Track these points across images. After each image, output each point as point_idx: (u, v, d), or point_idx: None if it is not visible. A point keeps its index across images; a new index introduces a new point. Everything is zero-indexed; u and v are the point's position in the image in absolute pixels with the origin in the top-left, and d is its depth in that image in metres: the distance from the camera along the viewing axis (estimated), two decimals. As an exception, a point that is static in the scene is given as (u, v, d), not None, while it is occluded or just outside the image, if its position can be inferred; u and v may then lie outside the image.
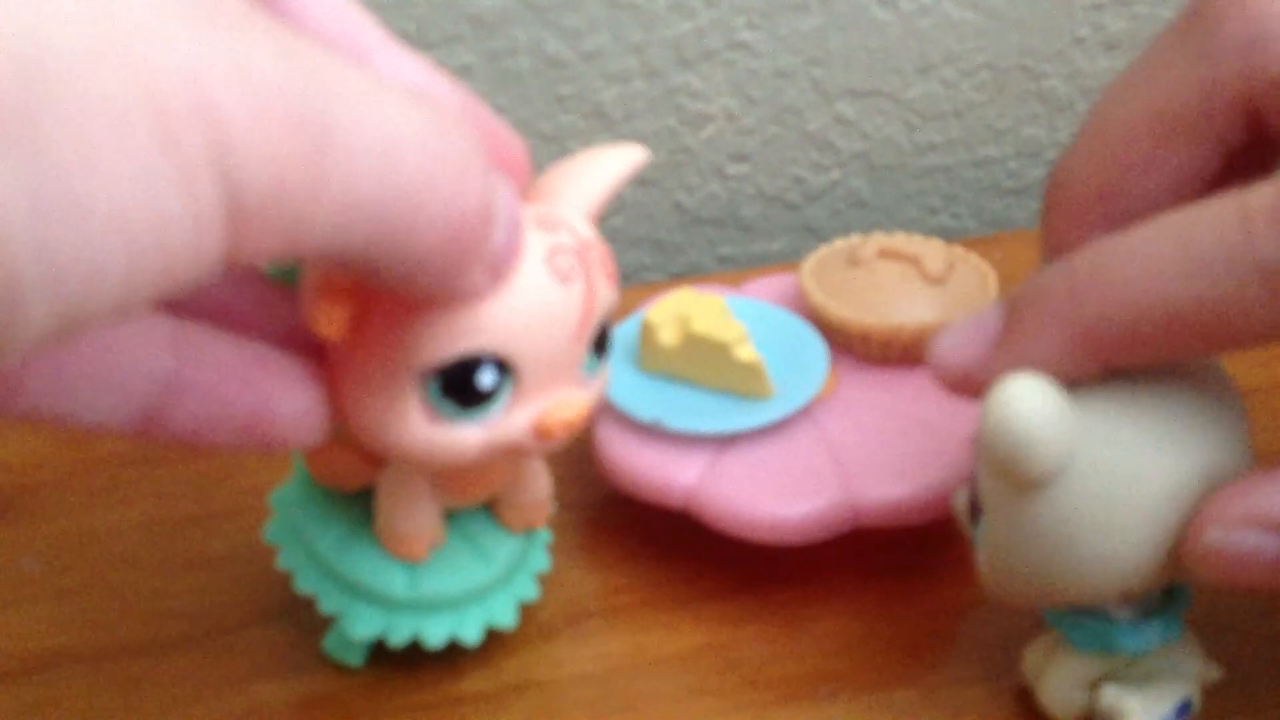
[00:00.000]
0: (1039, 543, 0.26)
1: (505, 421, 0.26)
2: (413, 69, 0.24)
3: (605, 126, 0.48)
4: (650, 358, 0.35)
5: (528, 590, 0.31)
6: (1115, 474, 0.25)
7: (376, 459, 0.29)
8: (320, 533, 0.30)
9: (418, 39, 0.45)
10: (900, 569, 0.33)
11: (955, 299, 0.36)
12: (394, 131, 0.19)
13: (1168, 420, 0.26)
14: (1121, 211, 0.27)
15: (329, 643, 0.31)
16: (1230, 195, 0.24)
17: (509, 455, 0.26)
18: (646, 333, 0.35)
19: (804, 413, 0.34)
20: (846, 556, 0.33)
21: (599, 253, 0.26)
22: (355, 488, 0.30)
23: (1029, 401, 0.24)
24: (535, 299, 0.25)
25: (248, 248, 0.18)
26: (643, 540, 0.35)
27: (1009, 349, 0.26)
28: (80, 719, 0.30)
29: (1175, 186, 0.27)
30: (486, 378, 0.25)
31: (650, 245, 0.51)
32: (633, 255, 0.51)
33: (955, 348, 0.27)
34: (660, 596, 0.33)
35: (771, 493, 0.32)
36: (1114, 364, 0.25)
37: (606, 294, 0.26)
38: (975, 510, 0.28)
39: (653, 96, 0.48)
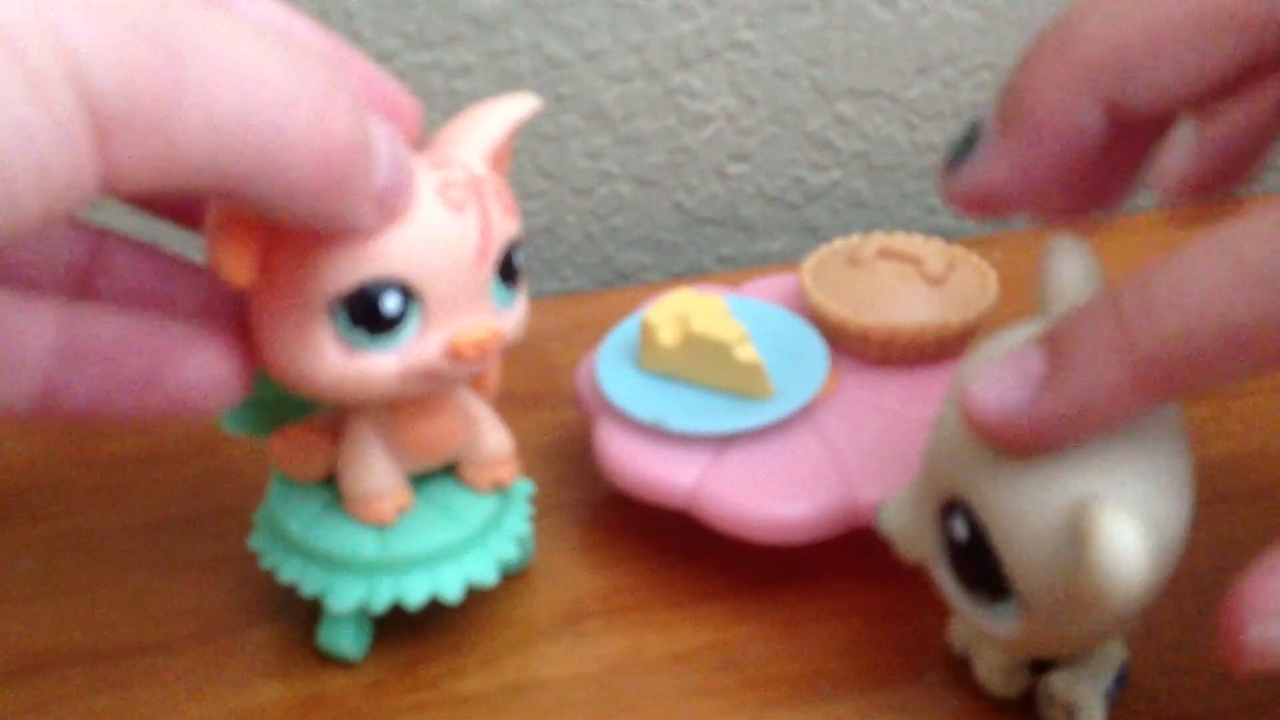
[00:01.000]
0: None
1: (418, 347, 0.27)
2: (275, 12, 0.25)
3: (605, 126, 0.48)
4: (650, 358, 0.35)
5: (507, 550, 0.31)
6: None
7: (337, 435, 0.30)
8: (292, 516, 0.31)
9: (418, 39, 0.45)
10: (900, 569, 0.33)
11: (955, 299, 0.36)
12: (249, 55, 0.20)
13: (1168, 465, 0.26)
14: (1131, 91, 0.25)
15: (322, 636, 0.31)
16: (1269, 205, 0.23)
17: (426, 380, 0.27)
18: (646, 333, 0.35)
19: (804, 413, 0.34)
20: (846, 556, 0.33)
21: (492, 186, 0.27)
22: (322, 474, 0.31)
23: (1132, 546, 0.23)
24: (430, 226, 0.26)
25: (123, 167, 0.19)
26: (643, 540, 0.35)
27: (1060, 392, 0.24)
28: (80, 719, 0.30)
29: (1195, 80, 0.25)
30: (391, 302, 0.26)
31: (650, 245, 0.51)
32: (633, 255, 0.51)
33: (995, 392, 0.25)
34: (660, 596, 0.33)
35: (771, 493, 0.32)
36: (1169, 399, 0.24)
37: (504, 223, 0.27)
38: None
39: (653, 96, 0.48)
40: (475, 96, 0.46)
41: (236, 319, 0.26)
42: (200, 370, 0.25)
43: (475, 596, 0.32)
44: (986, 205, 0.27)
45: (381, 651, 0.31)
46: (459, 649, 0.32)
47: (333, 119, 0.22)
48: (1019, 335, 0.26)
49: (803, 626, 0.32)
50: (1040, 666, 0.29)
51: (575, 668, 0.31)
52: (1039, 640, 0.27)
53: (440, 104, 0.46)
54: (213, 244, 0.24)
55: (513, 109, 0.29)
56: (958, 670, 0.31)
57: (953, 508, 0.27)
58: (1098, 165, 0.27)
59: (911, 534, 0.29)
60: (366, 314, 0.26)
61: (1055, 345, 0.25)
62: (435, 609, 0.32)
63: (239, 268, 0.25)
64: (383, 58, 0.45)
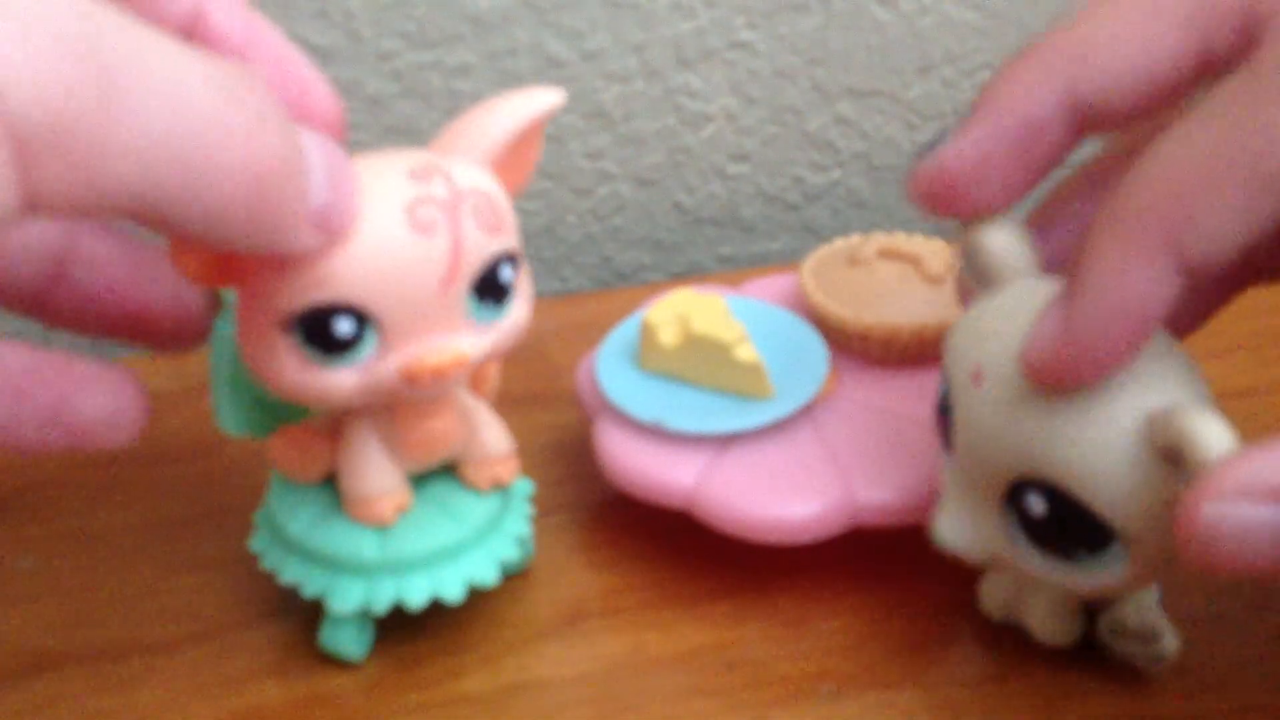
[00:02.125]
0: (1025, 407, 0.26)
1: (377, 366, 0.27)
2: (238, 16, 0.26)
3: (605, 126, 0.48)
4: (650, 358, 0.35)
5: (508, 550, 0.31)
6: None
7: (335, 436, 0.30)
8: (291, 518, 0.31)
9: (418, 39, 0.45)
10: (900, 569, 0.33)
11: (954, 298, 0.36)
12: (181, 75, 0.20)
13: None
14: (1087, 88, 0.27)
15: (324, 637, 0.31)
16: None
17: (385, 398, 0.27)
18: (646, 333, 0.35)
19: (804, 413, 0.34)
20: (847, 556, 0.33)
21: (476, 202, 0.26)
22: (321, 475, 0.31)
23: (1223, 434, 0.25)
24: (388, 249, 0.25)
25: (46, 190, 0.19)
26: (642, 540, 0.35)
27: (1081, 295, 0.25)
28: (80, 719, 0.30)
29: (1146, 79, 0.27)
30: (343, 326, 0.26)
31: (650, 245, 0.51)
32: (633, 255, 0.51)
33: (1040, 341, 0.26)
34: (660, 596, 0.33)
35: (772, 493, 0.32)
36: (1183, 254, 0.25)
37: (480, 242, 0.27)
38: (945, 414, 0.28)
39: (653, 96, 0.48)
40: (475, 96, 0.46)
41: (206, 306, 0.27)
42: (99, 406, 0.25)
43: (475, 596, 0.32)
44: (945, 192, 0.28)
45: (381, 651, 0.31)
46: (459, 649, 0.32)
47: (264, 143, 0.21)
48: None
49: (803, 626, 0.32)
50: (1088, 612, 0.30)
51: (575, 668, 0.31)
52: (1150, 568, 0.27)
53: (440, 104, 0.46)
54: (170, 256, 0.25)
55: (529, 105, 0.28)
56: (958, 669, 0.31)
57: (1021, 489, 0.27)
58: (1056, 164, 0.28)
59: (976, 539, 0.29)
60: (319, 335, 0.26)
61: (1074, 265, 0.26)
62: (435, 609, 0.32)
63: (193, 272, 0.25)
64: (383, 58, 0.45)
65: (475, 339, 0.27)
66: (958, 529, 0.29)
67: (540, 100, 0.28)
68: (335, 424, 0.30)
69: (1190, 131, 0.25)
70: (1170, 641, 0.29)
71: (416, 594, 0.30)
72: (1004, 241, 0.29)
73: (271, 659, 0.32)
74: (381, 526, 0.30)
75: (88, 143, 0.19)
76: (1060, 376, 0.26)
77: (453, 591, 0.30)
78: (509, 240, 0.27)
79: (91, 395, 0.25)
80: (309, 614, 0.32)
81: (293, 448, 0.30)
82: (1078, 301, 0.25)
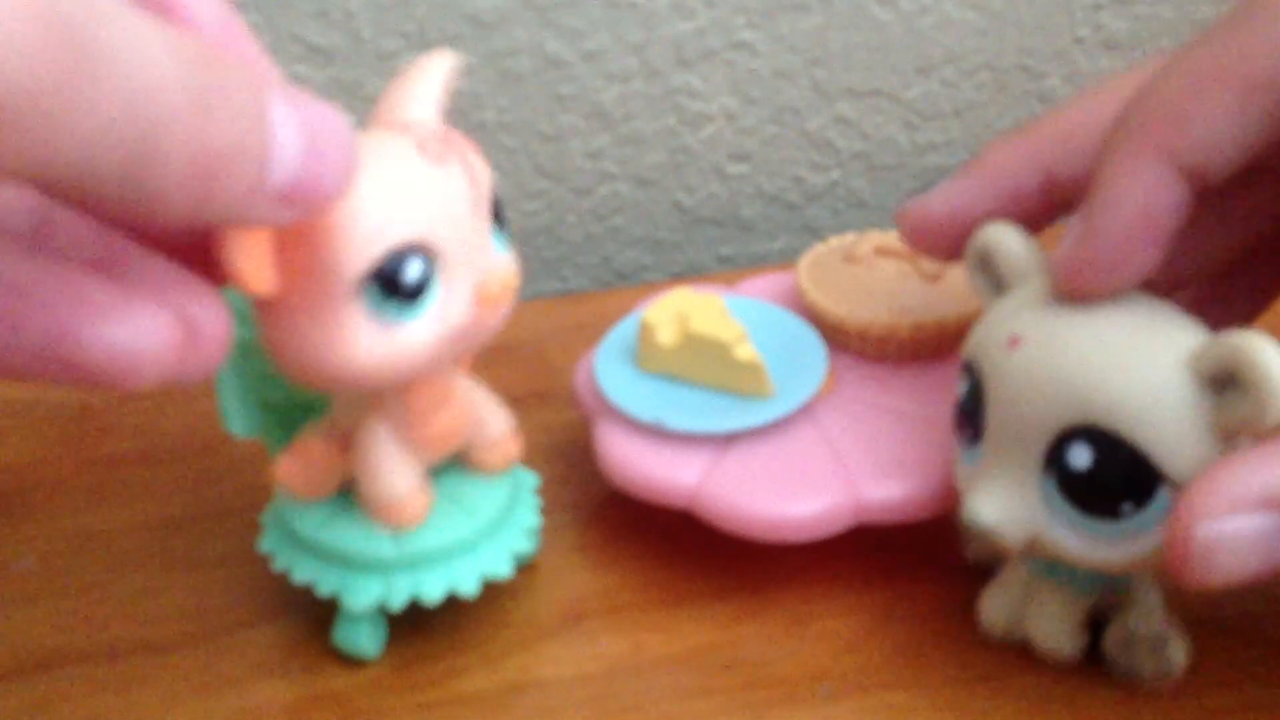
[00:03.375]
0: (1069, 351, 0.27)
1: (447, 307, 0.27)
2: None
3: (605, 126, 0.48)
4: (649, 358, 0.35)
5: (520, 543, 0.31)
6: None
7: (346, 444, 0.30)
8: (302, 517, 0.30)
9: (418, 39, 0.45)
10: (900, 569, 0.33)
11: (952, 295, 0.36)
12: (150, 50, 0.19)
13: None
14: (1067, 166, 0.30)
15: (338, 636, 0.31)
16: None
17: (463, 340, 0.27)
18: (645, 332, 0.35)
19: (804, 411, 0.34)
20: (847, 556, 0.33)
21: (458, 136, 0.27)
22: (333, 490, 0.31)
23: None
24: (424, 182, 0.26)
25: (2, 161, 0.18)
26: (642, 540, 0.35)
27: (1097, 205, 0.27)
28: (80, 719, 0.30)
29: (1240, 142, 0.27)
30: (415, 268, 0.26)
31: (650, 245, 0.51)
32: (633, 255, 0.51)
33: (1066, 248, 0.28)
34: (660, 596, 0.33)
35: (775, 491, 0.32)
36: (1184, 163, 0.27)
37: (483, 168, 0.27)
38: (968, 411, 0.29)
39: (653, 96, 0.48)
40: (476, 96, 0.46)
41: (188, 288, 0.23)
42: (108, 339, 0.21)
43: (475, 597, 0.32)
44: (926, 234, 0.32)
45: (382, 651, 0.31)
46: (459, 649, 0.32)
47: (217, 120, 0.20)
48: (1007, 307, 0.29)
49: (803, 626, 0.32)
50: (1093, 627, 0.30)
51: (575, 668, 0.31)
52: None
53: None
54: (230, 259, 0.24)
55: (438, 68, 0.29)
56: (958, 670, 0.31)
57: (1063, 446, 0.27)
58: (1034, 229, 0.31)
59: (1013, 515, 0.28)
60: (395, 285, 0.26)
61: (1091, 179, 0.28)
62: (435, 608, 0.32)
63: (260, 277, 0.24)
64: (383, 58, 0.45)
65: (509, 263, 0.28)
66: (995, 506, 0.28)
67: (442, 62, 0.29)
68: (344, 433, 0.30)
69: (1190, 49, 0.27)
70: (1177, 651, 0.29)
71: (433, 589, 0.30)
72: (1015, 243, 0.29)
73: (271, 659, 0.32)
74: (415, 527, 0.30)
75: (50, 116, 0.18)
76: (1086, 281, 0.27)
77: (468, 585, 0.30)
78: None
79: (100, 327, 0.21)
80: (309, 614, 0.32)
81: (302, 464, 0.30)
82: (1093, 209, 0.27)
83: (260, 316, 0.26)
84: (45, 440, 0.38)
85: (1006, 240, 0.29)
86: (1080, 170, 0.30)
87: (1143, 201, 0.27)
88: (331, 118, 0.23)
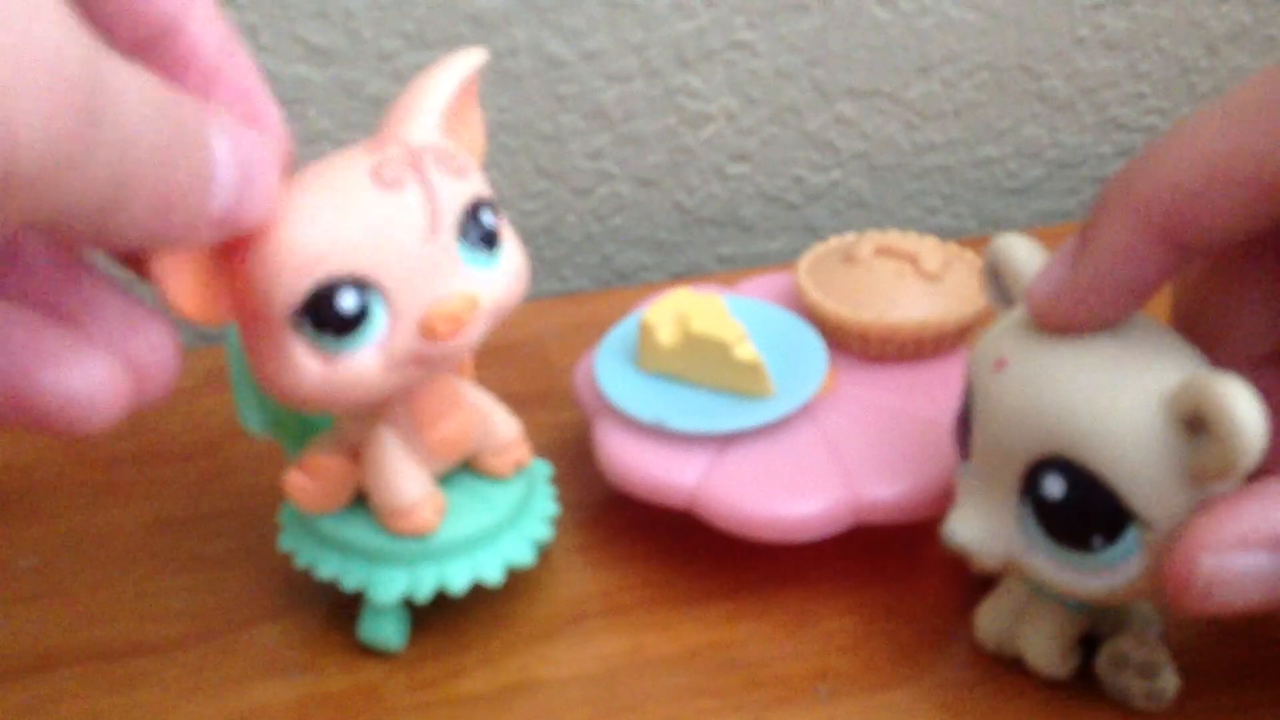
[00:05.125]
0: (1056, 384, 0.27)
1: (394, 335, 0.26)
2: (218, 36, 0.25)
3: (605, 126, 0.48)
4: (649, 358, 0.35)
5: (541, 531, 0.32)
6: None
7: (355, 455, 0.30)
8: (323, 513, 0.31)
9: (418, 39, 0.45)
10: (900, 569, 0.33)
11: (952, 296, 0.36)
12: (147, 107, 0.20)
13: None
14: (1184, 234, 0.26)
15: (363, 629, 0.31)
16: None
17: (415, 369, 0.27)
18: (645, 333, 0.35)
19: (804, 411, 0.34)
20: (847, 556, 0.33)
21: (436, 153, 0.27)
22: (345, 502, 0.31)
23: (1250, 399, 0.25)
24: (362, 211, 0.26)
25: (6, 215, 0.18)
26: (643, 540, 0.35)
27: (1085, 255, 0.27)
28: (80, 719, 0.30)
29: (1245, 234, 0.26)
30: (348, 300, 0.26)
31: (650, 245, 0.51)
32: (633, 255, 0.51)
33: (1045, 281, 0.27)
34: (660, 596, 0.33)
35: (775, 490, 0.32)
36: (1180, 242, 0.26)
37: (452, 187, 0.27)
38: (965, 423, 0.29)
39: (653, 96, 0.48)
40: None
41: (144, 328, 0.24)
42: (66, 385, 0.21)
43: (476, 596, 0.32)
44: (1054, 313, 0.28)
45: (382, 651, 0.31)
46: (459, 648, 0.32)
47: (181, 158, 0.21)
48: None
49: (803, 626, 0.32)
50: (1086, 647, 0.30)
51: (576, 668, 0.31)
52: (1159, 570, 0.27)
53: (440, 104, 0.46)
54: (158, 282, 0.24)
55: (459, 66, 0.29)
56: (958, 671, 0.31)
57: (1039, 473, 0.27)
58: (1160, 285, 0.28)
59: (989, 537, 0.28)
60: (327, 317, 0.26)
61: (1083, 225, 0.27)
62: (436, 608, 0.32)
63: (187, 299, 0.25)
64: (383, 58, 0.45)
65: (480, 284, 0.27)
66: (971, 527, 0.28)
67: (465, 61, 0.29)
68: (353, 444, 0.30)
69: (1203, 124, 0.26)
70: (1169, 679, 0.29)
71: (458, 579, 0.30)
72: (1022, 256, 0.29)
73: (272, 659, 0.32)
74: (426, 534, 0.30)
75: (54, 180, 0.18)
76: (1059, 320, 0.27)
77: (492, 574, 0.31)
78: (481, 186, 0.28)
79: (58, 371, 0.21)
80: (310, 614, 0.32)
81: (312, 478, 0.30)
82: (1084, 260, 0.27)
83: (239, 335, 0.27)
84: (45, 440, 0.38)
85: (1014, 253, 0.29)
86: (1198, 231, 0.27)
87: (1131, 275, 0.26)
88: (259, 145, 0.24)
